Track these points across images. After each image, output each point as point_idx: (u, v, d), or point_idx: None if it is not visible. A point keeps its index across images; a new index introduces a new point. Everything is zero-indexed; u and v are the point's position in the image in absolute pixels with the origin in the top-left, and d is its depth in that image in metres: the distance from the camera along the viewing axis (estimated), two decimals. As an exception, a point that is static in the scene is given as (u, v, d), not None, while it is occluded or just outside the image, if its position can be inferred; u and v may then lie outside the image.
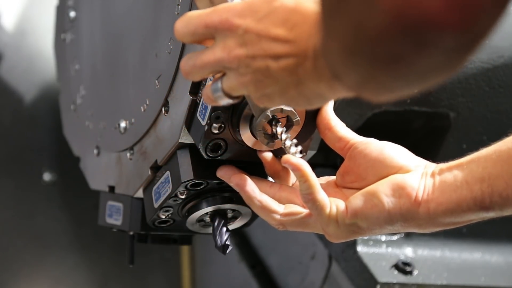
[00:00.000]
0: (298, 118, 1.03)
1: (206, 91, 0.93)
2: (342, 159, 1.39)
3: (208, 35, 0.91)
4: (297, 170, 0.99)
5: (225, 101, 0.93)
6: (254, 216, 1.21)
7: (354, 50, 0.73)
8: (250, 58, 0.87)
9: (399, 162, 1.01)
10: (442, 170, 0.99)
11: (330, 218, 1.00)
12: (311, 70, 0.83)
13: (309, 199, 1.00)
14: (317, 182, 1.00)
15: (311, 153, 1.19)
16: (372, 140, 1.04)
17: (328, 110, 1.06)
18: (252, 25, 0.86)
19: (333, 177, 1.06)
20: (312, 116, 1.07)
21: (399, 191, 0.98)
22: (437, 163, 1.02)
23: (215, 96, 0.92)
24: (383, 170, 1.01)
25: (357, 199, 0.99)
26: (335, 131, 1.06)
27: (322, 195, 0.99)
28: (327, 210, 1.00)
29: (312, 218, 1.02)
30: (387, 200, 0.98)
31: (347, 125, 1.37)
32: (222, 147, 1.07)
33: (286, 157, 1.00)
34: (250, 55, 0.87)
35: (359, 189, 1.01)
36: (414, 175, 0.99)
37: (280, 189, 1.07)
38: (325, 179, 1.06)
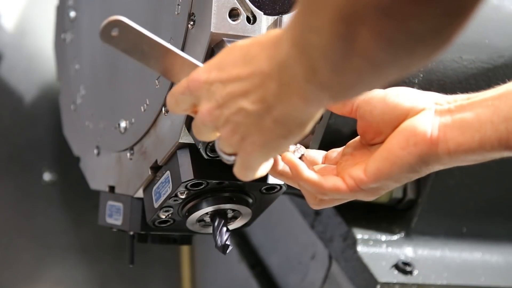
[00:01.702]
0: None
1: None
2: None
3: (188, 102, 0.93)
4: (294, 169, 0.99)
5: (231, 159, 0.93)
6: (254, 216, 1.21)
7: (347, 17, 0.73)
8: (221, 107, 0.88)
9: (405, 106, 0.97)
10: (462, 107, 0.94)
11: (353, 192, 0.98)
12: (278, 89, 0.83)
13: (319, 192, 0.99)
14: (316, 176, 0.99)
15: (311, 153, 1.19)
16: (374, 94, 1.00)
17: None
18: (215, 75, 0.88)
19: (358, 138, 1.04)
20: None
21: (413, 139, 0.94)
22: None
23: (222, 157, 0.94)
24: (394, 120, 0.97)
25: (374, 162, 0.96)
26: None
27: (328, 184, 0.98)
28: (343, 189, 0.97)
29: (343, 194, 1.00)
30: (404, 154, 0.94)
31: (348, 125, 1.38)
32: (222, 147, 1.07)
33: (285, 154, 1.00)
34: (219, 105, 0.88)
35: (382, 142, 0.97)
36: (425, 115, 0.95)
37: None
38: (352, 142, 1.03)
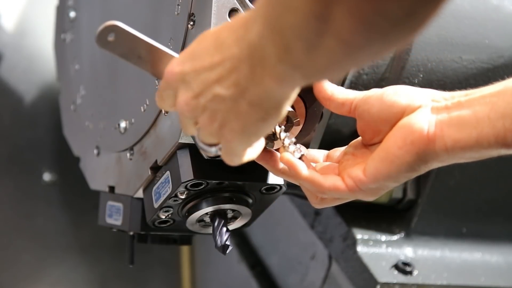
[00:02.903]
0: (298, 118, 1.03)
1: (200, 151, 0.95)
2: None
3: (171, 96, 0.93)
4: (292, 169, 0.99)
5: (213, 150, 0.93)
6: (254, 216, 1.21)
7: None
8: (197, 96, 0.88)
9: (401, 104, 0.97)
10: (459, 104, 0.93)
11: (352, 192, 0.98)
12: (250, 71, 0.83)
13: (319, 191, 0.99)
14: (315, 175, 0.99)
15: (311, 153, 1.19)
16: (371, 93, 1.00)
17: (321, 83, 1.04)
18: (189, 66, 0.88)
19: (360, 138, 1.04)
20: (312, 116, 1.07)
21: (410, 137, 0.93)
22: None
23: (205, 151, 0.93)
24: (391, 118, 0.97)
25: (372, 162, 0.96)
26: (335, 98, 1.03)
27: (327, 183, 0.98)
28: (343, 189, 0.98)
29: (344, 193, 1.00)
30: (401, 153, 0.94)
31: (348, 125, 1.38)
32: (222, 147, 1.07)
33: (283, 155, 1.00)
34: (196, 94, 0.88)
35: (381, 142, 0.98)
36: (422, 113, 0.95)
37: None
38: (353, 142, 1.04)
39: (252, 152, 0.95)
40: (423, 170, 0.96)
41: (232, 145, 0.91)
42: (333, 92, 1.03)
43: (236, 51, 0.83)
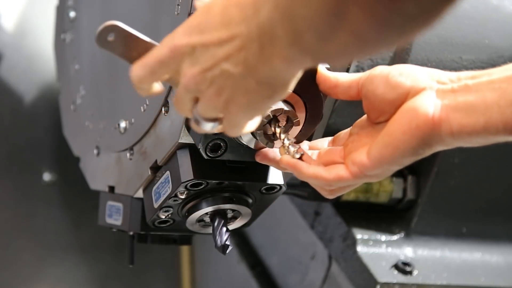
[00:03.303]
0: (298, 118, 1.03)
1: (191, 124, 0.94)
2: None
3: (168, 70, 0.91)
4: (293, 170, 0.99)
5: (209, 126, 0.92)
6: (254, 216, 1.21)
7: None
8: (205, 71, 0.87)
9: (406, 85, 0.95)
10: (467, 88, 0.91)
11: (357, 179, 0.97)
12: (259, 51, 0.82)
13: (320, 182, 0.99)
14: (318, 171, 0.99)
15: (311, 153, 1.19)
16: (377, 71, 0.99)
17: (321, 72, 1.03)
18: (197, 39, 0.87)
19: (365, 117, 1.03)
20: (312, 116, 1.07)
21: (415, 121, 0.92)
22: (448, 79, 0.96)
23: (200, 125, 0.93)
24: (396, 99, 0.96)
25: (377, 147, 0.95)
26: (341, 83, 1.02)
27: (331, 176, 0.98)
28: (347, 177, 0.97)
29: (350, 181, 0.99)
30: (406, 138, 0.92)
31: (348, 125, 1.37)
32: (222, 147, 1.07)
33: (283, 158, 1.00)
34: (203, 69, 0.87)
35: (387, 120, 0.96)
36: (427, 96, 0.93)
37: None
38: (358, 122, 1.03)
39: (252, 124, 0.94)
40: (428, 153, 0.94)
41: (236, 118, 0.90)
42: (337, 78, 1.03)
43: (245, 30, 0.83)
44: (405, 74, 0.97)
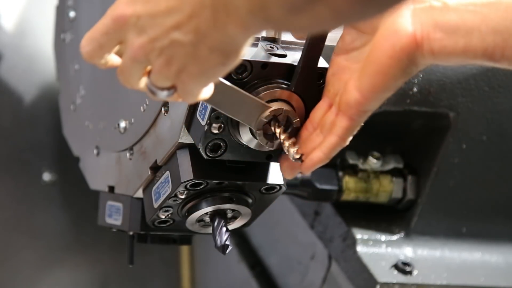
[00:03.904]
0: (298, 118, 1.03)
1: (147, 93, 0.91)
2: (341, 158, 1.39)
3: (115, 41, 0.88)
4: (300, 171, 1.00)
5: (164, 94, 0.89)
6: (254, 216, 1.21)
7: None
8: (153, 41, 0.83)
9: None
10: (445, 7, 0.90)
11: (358, 119, 0.96)
12: (212, 17, 0.79)
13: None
14: (319, 157, 0.99)
15: (310, 153, 1.19)
16: None
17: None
18: (142, 8, 0.83)
19: (335, 52, 1.00)
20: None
21: (399, 44, 0.91)
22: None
23: (154, 94, 0.89)
24: (375, 20, 0.94)
25: (366, 78, 0.93)
26: None
27: (330, 152, 0.99)
28: (342, 142, 0.97)
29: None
30: (393, 61, 0.91)
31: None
32: (222, 147, 1.07)
33: (282, 160, 1.01)
34: (151, 39, 0.83)
35: (363, 46, 0.96)
36: (405, 16, 0.91)
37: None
38: (333, 60, 1.00)
39: (207, 91, 0.91)
40: (414, 72, 0.94)
41: (189, 86, 0.87)
42: None
43: None
44: None
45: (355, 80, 0.95)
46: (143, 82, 0.89)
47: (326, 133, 1.00)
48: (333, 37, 1.01)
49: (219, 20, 0.79)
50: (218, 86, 0.95)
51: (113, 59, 0.91)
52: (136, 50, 0.85)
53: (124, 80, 0.90)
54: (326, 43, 1.02)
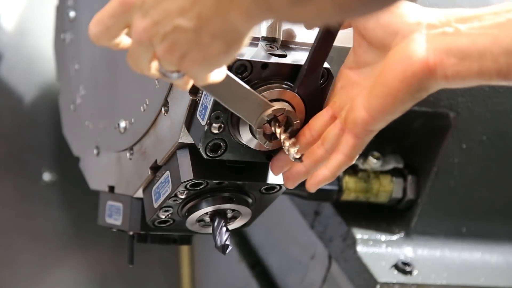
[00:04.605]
0: (298, 119, 1.03)
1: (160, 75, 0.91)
2: None
3: (121, 24, 0.88)
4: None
5: (175, 76, 0.89)
6: (254, 216, 1.21)
7: None
8: (156, 25, 0.84)
9: (395, 26, 0.95)
10: (458, 33, 0.91)
11: (363, 137, 0.97)
12: (214, 4, 0.79)
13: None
14: (322, 174, 1.00)
15: (311, 153, 1.19)
16: None
17: None
18: None
19: (344, 68, 1.01)
20: (312, 117, 1.07)
21: (411, 70, 0.92)
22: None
23: (165, 77, 0.90)
24: (385, 38, 0.96)
25: (375, 99, 0.94)
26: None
27: (333, 169, 0.99)
28: (351, 150, 0.98)
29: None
30: (403, 86, 0.92)
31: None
32: (222, 147, 1.07)
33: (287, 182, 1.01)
34: (155, 22, 0.84)
35: (375, 63, 0.97)
36: (418, 41, 0.92)
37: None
38: (342, 71, 1.01)
39: (218, 74, 0.91)
40: (424, 96, 0.94)
41: (193, 72, 0.88)
42: None
43: None
44: (395, 14, 0.96)
45: (364, 98, 0.96)
46: (154, 66, 0.89)
47: (330, 149, 1.01)
48: (340, 38, 1.02)
49: (222, 7, 0.79)
50: (224, 79, 0.95)
51: (124, 40, 0.91)
52: (140, 33, 0.85)
53: (133, 64, 0.90)
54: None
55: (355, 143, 0.98)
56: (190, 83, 0.92)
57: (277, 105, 1.01)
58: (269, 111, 1.01)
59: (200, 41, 0.83)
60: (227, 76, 0.97)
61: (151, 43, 0.86)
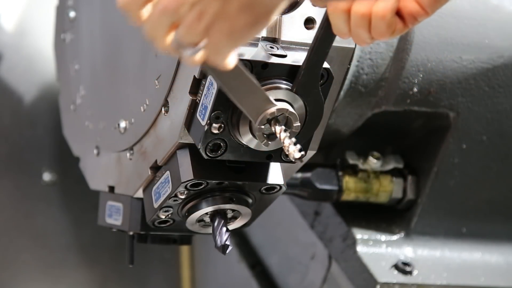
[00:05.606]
0: (299, 120, 1.03)
1: (174, 50, 0.90)
2: (341, 158, 1.38)
3: None
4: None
5: (191, 51, 0.89)
6: (254, 216, 1.21)
7: None
8: None
9: None
10: None
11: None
12: None
13: None
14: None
15: (311, 153, 1.19)
16: None
17: None
18: None
19: None
20: (312, 118, 1.07)
21: None
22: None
23: (181, 50, 0.89)
24: None
25: None
26: None
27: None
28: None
29: None
30: None
31: (348, 125, 1.38)
32: (222, 147, 1.07)
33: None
34: None
35: None
36: None
37: None
38: None
39: (232, 59, 0.91)
40: None
41: (218, 45, 0.88)
42: None
43: None
44: None
45: None
46: (170, 38, 0.89)
47: None
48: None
49: None
50: (234, 69, 0.94)
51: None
52: (169, 2, 0.86)
53: (150, 31, 0.90)
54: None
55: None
56: (200, 59, 0.90)
57: (280, 105, 1.01)
58: (273, 109, 1.00)
59: (228, 11, 0.84)
60: (238, 66, 0.96)
61: (177, 12, 0.86)
